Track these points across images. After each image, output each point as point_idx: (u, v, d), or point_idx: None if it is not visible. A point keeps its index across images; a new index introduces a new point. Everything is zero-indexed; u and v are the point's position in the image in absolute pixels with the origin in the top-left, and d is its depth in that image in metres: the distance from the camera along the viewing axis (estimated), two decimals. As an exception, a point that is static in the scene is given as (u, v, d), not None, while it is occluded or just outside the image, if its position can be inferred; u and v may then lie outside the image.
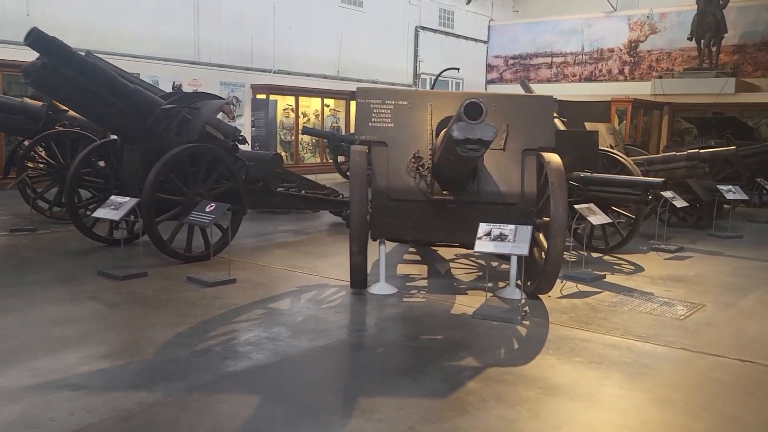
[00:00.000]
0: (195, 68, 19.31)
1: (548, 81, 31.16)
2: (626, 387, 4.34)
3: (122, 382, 4.14)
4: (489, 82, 32.81)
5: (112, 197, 7.05)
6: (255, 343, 4.91)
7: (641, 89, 26.50)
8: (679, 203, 9.37)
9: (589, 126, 10.29)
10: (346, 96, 22.14)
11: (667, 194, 9.39)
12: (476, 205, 6.26)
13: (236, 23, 20.17)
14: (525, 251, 5.58)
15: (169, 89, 16.62)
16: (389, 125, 6.37)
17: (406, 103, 6.45)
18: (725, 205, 11.56)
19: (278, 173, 9.11)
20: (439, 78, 30.69)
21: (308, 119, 22.18)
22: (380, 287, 6.54)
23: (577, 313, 6.05)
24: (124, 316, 5.55)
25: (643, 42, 29.05)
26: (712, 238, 10.67)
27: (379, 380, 4.30)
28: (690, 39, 25.39)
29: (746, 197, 10.99)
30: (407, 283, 7.00)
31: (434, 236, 6.57)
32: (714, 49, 25.33)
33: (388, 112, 6.40)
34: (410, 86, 27.76)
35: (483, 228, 5.81)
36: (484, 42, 32.48)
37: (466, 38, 31.28)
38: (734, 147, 10.53)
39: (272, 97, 20.26)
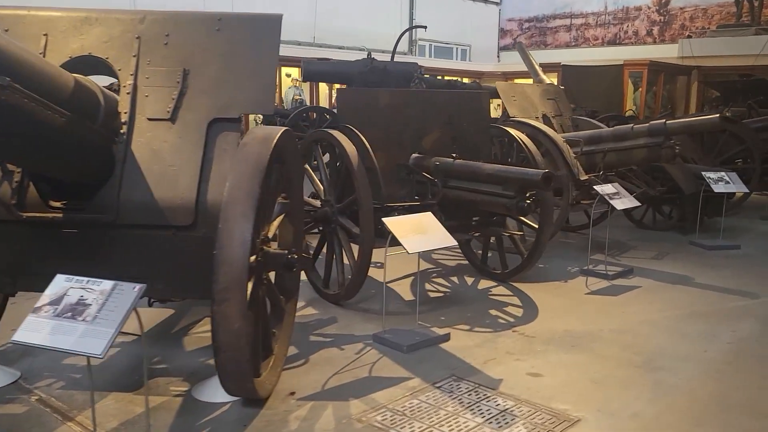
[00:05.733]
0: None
1: (567, 46, 27.43)
2: None
3: None
4: (502, 48, 29.18)
5: None
6: None
7: (672, 52, 22.59)
8: (622, 203, 6.05)
9: (501, 88, 7.07)
10: (314, 65, 19.04)
11: (607, 189, 6.11)
12: (115, 229, 3.23)
13: (185, -19, 17.42)
14: (99, 349, 2.53)
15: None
16: None
17: (-1, 32, 3.43)
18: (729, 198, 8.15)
19: None
20: (442, 45, 27.44)
21: (264, 91, 19.23)
22: (-21, 376, 3.61)
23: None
24: None
25: (674, -3, 25.00)
26: (693, 248, 7.32)
27: None
28: (726, -10, 21.41)
29: (745, 189, 7.55)
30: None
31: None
32: (756, 2, 21.24)
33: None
34: (405, 54, 24.30)
35: (55, 288, 2.78)
36: (496, 3, 28.76)
37: (474, -1, 27.72)
38: (718, 115, 7.15)
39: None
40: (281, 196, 3.96)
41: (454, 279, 6.00)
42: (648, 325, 4.80)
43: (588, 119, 7.85)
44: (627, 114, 14.98)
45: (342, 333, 4.57)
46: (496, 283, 5.84)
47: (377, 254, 4.71)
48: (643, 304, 5.32)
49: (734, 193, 7.74)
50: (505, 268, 5.86)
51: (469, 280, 5.96)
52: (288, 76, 19.56)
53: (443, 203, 5.07)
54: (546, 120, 7.46)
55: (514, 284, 5.79)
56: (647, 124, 6.77)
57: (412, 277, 6.04)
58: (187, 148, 3.26)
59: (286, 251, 3.48)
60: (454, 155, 5.17)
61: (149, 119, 3.30)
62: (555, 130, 7.29)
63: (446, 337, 4.44)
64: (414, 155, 5.40)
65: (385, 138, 5.34)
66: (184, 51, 3.41)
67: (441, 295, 5.55)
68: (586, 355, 4.22)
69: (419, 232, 4.27)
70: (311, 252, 5.59)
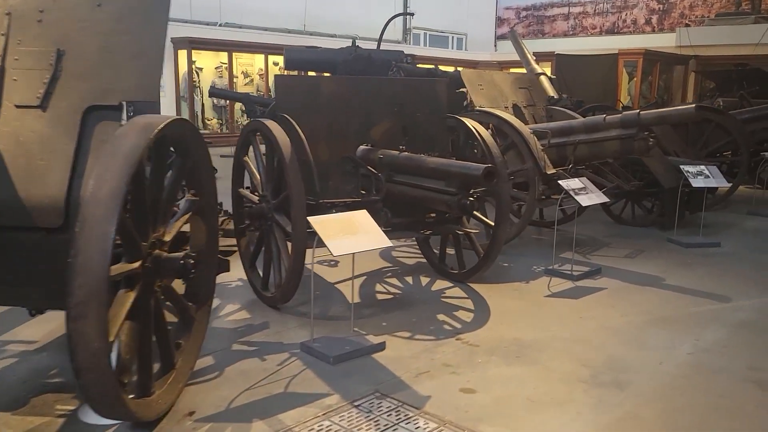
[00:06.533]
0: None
1: (565, 35, 26.93)
2: None
3: None
4: (499, 37, 28.65)
5: None
6: None
7: (671, 41, 22.07)
8: (589, 199, 5.66)
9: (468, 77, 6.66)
10: (306, 52, 18.64)
11: (573, 183, 5.72)
12: (-22, 231, 2.86)
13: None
14: None
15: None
16: None
17: None
18: (708, 194, 7.75)
19: None
20: (437, 33, 26.93)
21: (251, 80, 18.94)
22: None
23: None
24: None
25: (674, -15, 24.44)
26: (670, 246, 6.93)
27: None
28: (725, -23, 20.88)
29: (725, 183, 7.13)
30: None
31: None
32: (757, -10, 20.72)
33: None
34: (399, 43, 23.81)
35: None
36: (493, -9, 28.26)
37: (470, -14, 27.19)
38: (693, 105, 6.74)
39: (199, 52, 17.21)
40: (190, 193, 3.60)
41: (409, 279, 5.62)
42: (605, 332, 4.42)
43: (563, 110, 7.43)
44: (620, 105, 14.49)
45: (269, 341, 4.20)
46: (452, 284, 5.46)
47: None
48: (605, 308, 4.94)
49: (716, 187, 7.33)
50: (462, 267, 5.48)
51: (425, 281, 5.58)
52: (275, 64, 19.17)
53: (388, 199, 4.69)
54: (516, 110, 7.06)
55: (472, 285, 5.41)
56: (620, 115, 6.36)
57: (365, 277, 5.68)
58: (59, 139, 2.88)
59: (181, 255, 3.11)
60: (401, 147, 4.79)
61: (17, 106, 2.93)
62: (526, 121, 6.91)
63: (381, 347, 4.07)
64: (361, 147, 5.02)
65: (329, 128, 4.96)
66: (60, 29, 3.03)
67: (390, 297, 5.18)
68: (529, 367, 3.84)
69: (350, 233, 3.89)
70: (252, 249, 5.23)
